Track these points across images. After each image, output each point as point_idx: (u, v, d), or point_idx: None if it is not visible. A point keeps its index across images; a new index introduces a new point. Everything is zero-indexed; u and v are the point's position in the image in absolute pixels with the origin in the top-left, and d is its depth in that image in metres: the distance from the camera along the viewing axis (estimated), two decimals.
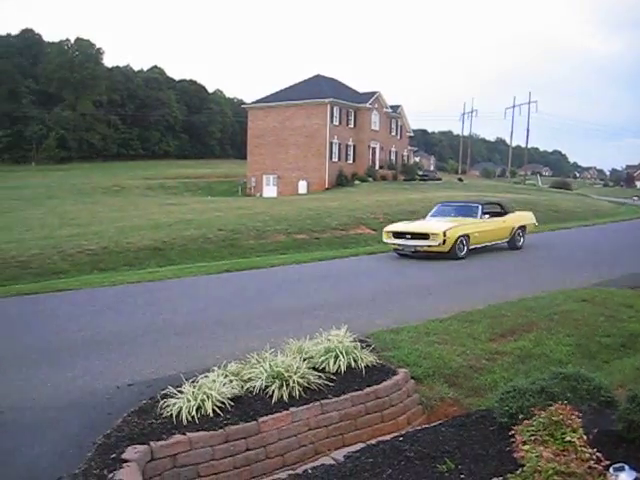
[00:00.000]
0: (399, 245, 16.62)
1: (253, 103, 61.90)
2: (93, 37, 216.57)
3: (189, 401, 5.26)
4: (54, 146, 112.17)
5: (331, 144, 55.82)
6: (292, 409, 5.52)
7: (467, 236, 16.46)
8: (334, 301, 10.93)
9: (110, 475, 4.37)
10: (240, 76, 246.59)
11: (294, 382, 5.69)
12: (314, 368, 6.09)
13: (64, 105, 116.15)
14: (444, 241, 15.77)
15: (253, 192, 56.83)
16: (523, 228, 18.93)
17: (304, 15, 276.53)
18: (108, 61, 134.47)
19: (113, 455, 4.67)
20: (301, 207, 28.02)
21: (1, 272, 14.68)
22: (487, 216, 17.80)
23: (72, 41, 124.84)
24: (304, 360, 6.16)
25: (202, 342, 8.19)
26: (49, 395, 6.27)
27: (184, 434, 4.98)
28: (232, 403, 5.38)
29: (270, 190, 56.72)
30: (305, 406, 5.60)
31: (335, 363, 6.19)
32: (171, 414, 5.22)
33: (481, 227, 17.17)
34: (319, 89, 57.07)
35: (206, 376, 5.68)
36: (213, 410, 5.23)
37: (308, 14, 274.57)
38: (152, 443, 4.84)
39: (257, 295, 11.83)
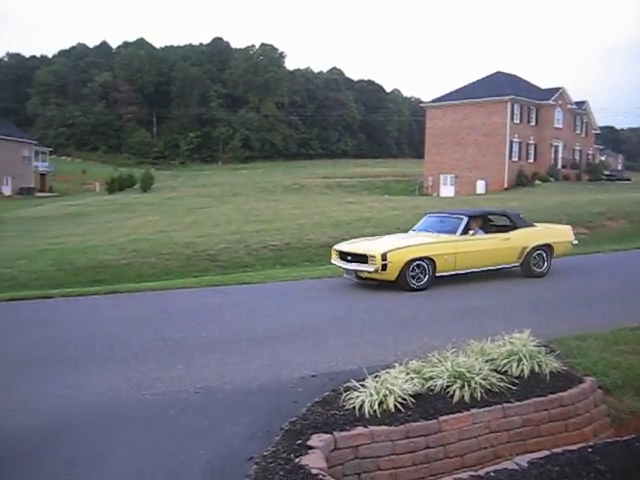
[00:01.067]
0: (343, 269, 12.90)
1: (431, 102, 61.55)
2: (276, 42, 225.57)
3: (371, 395, 5.38)
4: (239, 146, 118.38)
5: (511, 143, 54.23)
6: (473, 410, 5.47)
7: (430, 259, 12.25)
8: (512, 303, 10.66)
9: (297, 460, 4.58)
10: (418, 75, 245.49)
11: (476, 383, 5.64)
12: (496, 370, 5.99)
13: (249, 107, 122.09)
14: (384, 266, 11.85)
15: (430, 191, 56.54)
16: (546, 248, 13.76)
17: (483, 11, 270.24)
18: (290, 64, 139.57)
19: (299, 441, 4.88)
20: (479, 207, 27.49)
21: (194, 264, 15.78)
22: (472, 232, 13.17)
23: (257, 46, 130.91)
24: (486, 362, 6.08)
25: (381, 339, 8.33)
26: (239, 380, 6.69)
27: (366, 427, 5.10)
28: (413, 400, 5.43)
29: (447, 190, 56.14)
30: (486, 408, 5.53)
31: (518, 367, 6.05)
32: (353, 407, 5.36)
33: (460, 247, 12.67)
34: (499, 86, 55.61)
35: (388, 372, 5.77)
36: (395, 406, 5.31)
37: (488, 9, 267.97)
38: (335, 433, 5.00)
39: (437, 294, 11.80)
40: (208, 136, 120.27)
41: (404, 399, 5.39)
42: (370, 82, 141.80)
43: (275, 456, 4.70)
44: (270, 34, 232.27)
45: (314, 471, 4.39)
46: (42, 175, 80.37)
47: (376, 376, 5.71)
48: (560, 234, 14.58)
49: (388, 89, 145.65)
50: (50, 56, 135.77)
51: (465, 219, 13.21)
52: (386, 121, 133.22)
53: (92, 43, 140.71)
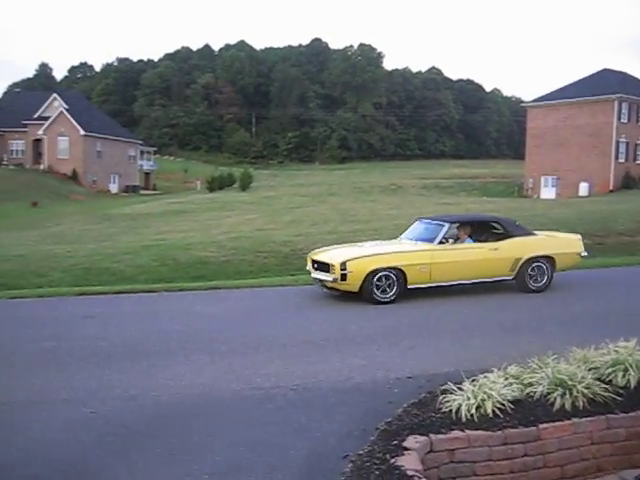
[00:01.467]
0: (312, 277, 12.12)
1: (532, 102, 59.99)
2: (374, 42, 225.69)
3: (469, 399, 5.31)
4: (336, 146, 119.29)
5: (617, 143, 52.12)
6: (574, 419, 5.30)
7: (399, 270, 11.14)
8: (615, 310, 10.29)
9: (392, 460, 4.57)
10: (519, 74, 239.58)
11: (578, 392, 5.46)
12: (599, 379, 5.77)
13: (346, 108, 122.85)
14: (343, 276, 10.95)
15: (530, 193, 55.10)
16: (545, 260, 12.14)
17: (587, 8, 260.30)
18: (388, 64, 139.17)
19: (395, 442, 4.87)
20: (582, 210, 26.61)
21: (291, 262, 15.99)
22: (452, 241, 12.07)
23: (355, 47, 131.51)
24: (589, 370, 5.88)
25: (480, 342, 8.22)
26: (335, 378, 6.77)
27: (463, 431, 5.03)
28: (512, 406, 5.32)
29: (548, 192, 54.54)
30: (589, 418, 5.34)
31: (624, 377, 5.81)
32: (450, 410, 5.30)
33: (436, 257, 11.44)
34: (605, 84, 53.51)
35: (486, 376, 5.68)
36: (492, 411, 5.21)
37: (591, 5, 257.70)
38: (432, 435, 4.96)
39: (535, 299, 11.52)
40: (306, 136, 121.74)
41: (502, 404, 5.28)
42: (469, 81, 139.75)
43: (370, 455, 4.71)
44: (369, 34, 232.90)
45: (410, 472, 4.38)
46: (146, 174, 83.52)
47: (474, 380, 5.63)
48: (565, 244, 12.91)
49: (488, 88, 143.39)
50: (156, 60, 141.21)
51: (446, 226, 12.02)
52: (485, 121, 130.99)
53: (195, 46, 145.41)
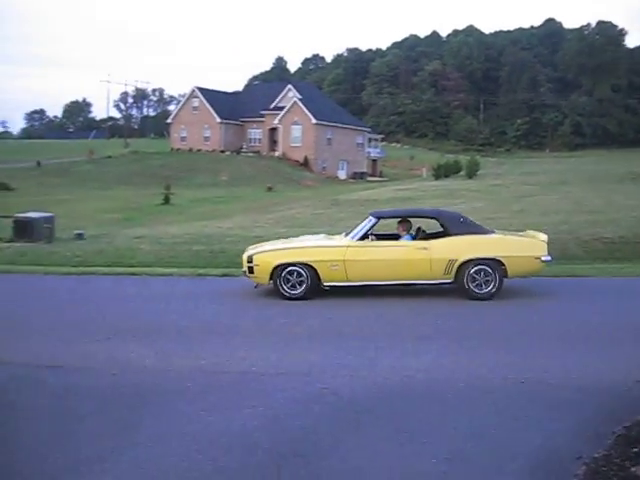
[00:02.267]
0: None
1: None
2: (615, 18, 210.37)
3: None
4: (568, 132, 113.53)
5: None
6: None
7: (308, 266, 10.54)
8: None
9: (633, 469, 4.29)
10: None
11: None
12: None
13: (581, 91, 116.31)
14: (250, 269, 10.78)
15: None
16: (491, 264, 10.37)
17: None
18: (630, 42, 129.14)
19: (635, 449, 4.57)
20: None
21: None
22: (372, 237, 10.83)
23: (593, 25, 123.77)
24: None
25: None
26: (562, 375, 6.46)
27: None
28: None
29: None
30: None
31: None
32: None
33: (349, 254, 10.55)
34: None
35: None
36: None
37: None
38: None
39: None
40: (536, 122, 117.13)
41: None
42: None
43: (607, 460, 4.47)
44: (609, 10, 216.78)
45: None
46: (373, 161, 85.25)
47: None
48: (521, 247, 10.94)
49: None
50: (384, 48, 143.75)
51: (372, 221, 10.96)
52: None
53: (423, 34, 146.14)
